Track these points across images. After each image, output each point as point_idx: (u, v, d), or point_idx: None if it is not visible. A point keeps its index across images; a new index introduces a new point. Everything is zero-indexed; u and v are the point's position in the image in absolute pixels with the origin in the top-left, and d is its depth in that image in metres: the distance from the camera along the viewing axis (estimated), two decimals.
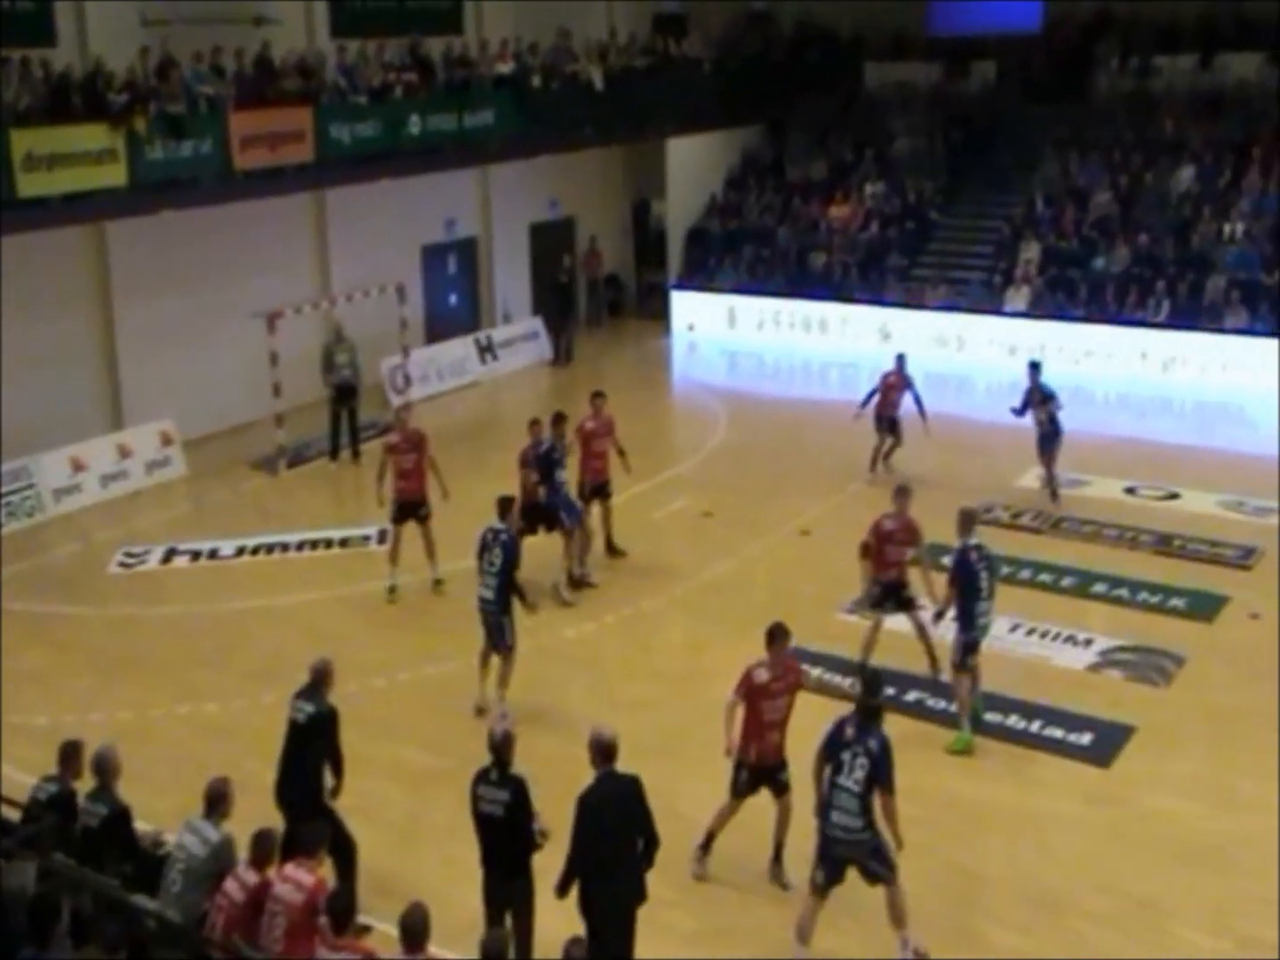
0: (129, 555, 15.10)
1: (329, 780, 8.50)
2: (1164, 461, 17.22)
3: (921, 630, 11.46)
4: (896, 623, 11.63)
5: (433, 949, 6.47)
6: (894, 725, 8.40)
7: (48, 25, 16.98)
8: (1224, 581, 13.58)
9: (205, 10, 18.25)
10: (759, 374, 23.48)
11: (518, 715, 10.54)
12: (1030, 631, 12.47)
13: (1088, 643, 12.29)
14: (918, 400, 16.25)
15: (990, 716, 10.87)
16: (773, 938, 8.39)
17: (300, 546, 15.23)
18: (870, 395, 16.58)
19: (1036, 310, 22.14)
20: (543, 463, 13.45)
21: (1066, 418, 15.59)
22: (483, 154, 21.42)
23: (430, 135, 19.87)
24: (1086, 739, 10.63)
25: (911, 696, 11.24)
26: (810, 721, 8.67)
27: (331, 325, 18.70)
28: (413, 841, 9.48)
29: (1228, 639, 12.42)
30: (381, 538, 14.55)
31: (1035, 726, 10.82)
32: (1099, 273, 22.16)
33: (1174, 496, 16.04)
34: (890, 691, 8.39)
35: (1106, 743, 10.57)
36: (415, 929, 6.34)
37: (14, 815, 7.74)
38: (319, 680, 8.54)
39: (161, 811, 8.58)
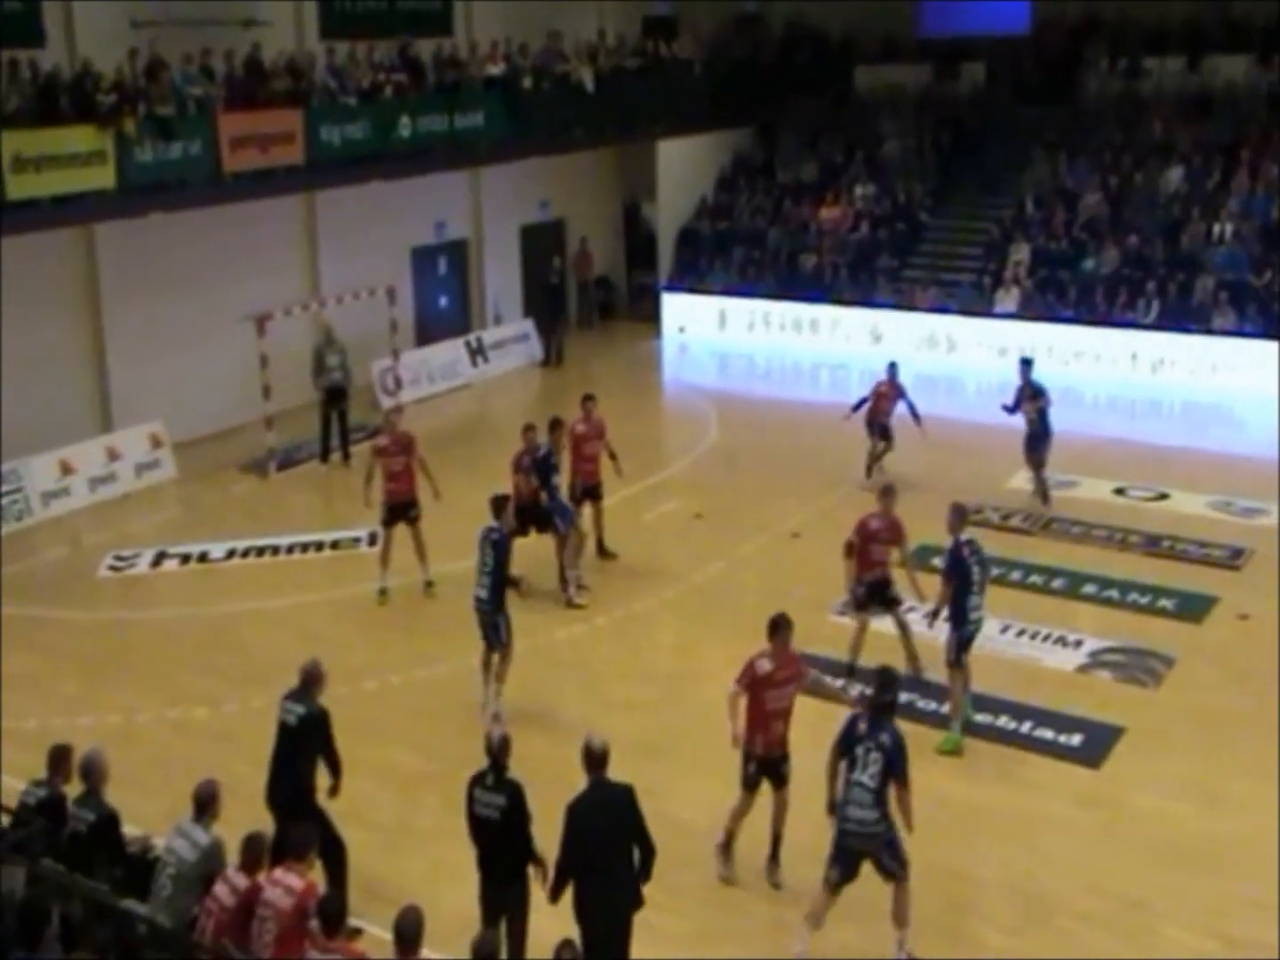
0: (118, 558, 15.07)
1: (326, 780, 8.48)
2: (1153, 462, 17.26)
3: (904, 629, 11.51)
4: (884, 624, 11.65)
5: (424, 951, 6.47)
6: None
7: (36, 26, 16.92)
8: (1213, 582, 13.61)
9: (194, 11, 18.22)
10: (750, 375, 23.51)
11: (508, 717, 10.55)
12: (1020, 633, 12.49)
13: (1078, 644, 12.32)
14: (911, 408, 16.23)
15: (981, 717, 10.89)
16: (765, 940, 8.41)
17: (291, 549, 15.21)
18: (861, 402, 16.58)
19: (1026, 311, 22.18)
20: (541, 468, 13.48)
21: (1056, 418, 15.62)
22: (473, 155, 21.40)
23: (420, 137, 19.85)
24: (1076, 740, 10.66)
25: (901, 698, 11.20)
26: (808, 721, 8.69)
27: (322, 327, 18.67)
28: (402, 844, 9.47)
29: (1217, 640, 12.45)
30: (372, 540, 14.54)
31: (1025, 727, 10.85)
32: (1088, 274, 22.22)
33: (1163, 497, 16.08)
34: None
35: (1096, 744, 10.60)
36: (409, 932, 6.34)
37: (3, 820, 7.72)
38: (309, 682, 8.52)
39: (151, 815, 8.56)
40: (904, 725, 10.53)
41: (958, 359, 22.37)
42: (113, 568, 14.88)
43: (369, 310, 19.72)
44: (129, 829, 7.87)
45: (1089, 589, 13.51)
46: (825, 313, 23.78)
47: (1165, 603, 13.16)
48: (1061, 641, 12.36)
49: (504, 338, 23.61)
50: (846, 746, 8.01)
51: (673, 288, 25.48)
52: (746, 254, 25.24)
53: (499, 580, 10.96)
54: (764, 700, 8.66)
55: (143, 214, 16.86)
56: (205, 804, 7.30)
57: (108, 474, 17.10)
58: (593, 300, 26.53)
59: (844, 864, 7.96)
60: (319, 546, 15.25)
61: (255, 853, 6.97)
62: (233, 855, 7.12)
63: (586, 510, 14.16)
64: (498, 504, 11.24)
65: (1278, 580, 13.28)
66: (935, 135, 25.72)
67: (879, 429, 16.41)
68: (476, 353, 22.87)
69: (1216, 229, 21.87)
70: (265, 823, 8.02)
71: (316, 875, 7.28)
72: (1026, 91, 25.10)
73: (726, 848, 8.96)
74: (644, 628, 13.05)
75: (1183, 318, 21.08)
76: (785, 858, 8.93)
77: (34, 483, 16.27)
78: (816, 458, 17.53)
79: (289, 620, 13.28)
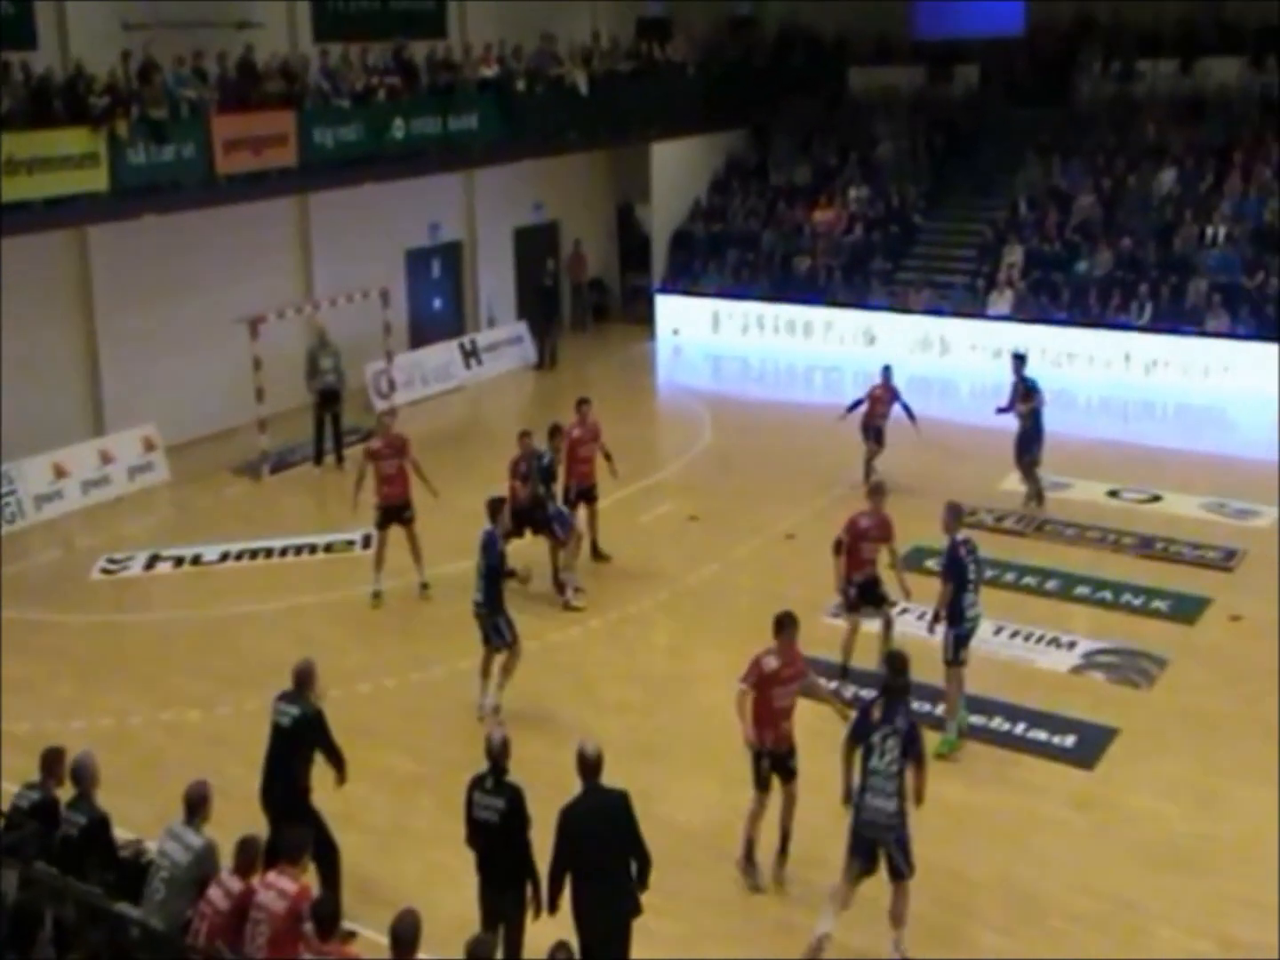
0: (111, 561, 15.04)
1: (323, 781, 8.47)
2: (1147, 464, 17.28)
3: (888, 627, 11.54)
4: (876, 625, 11.64)
5: (419, 954, 6.46)
6: None
7: (28, 28, 16.90)
8: (1206, 583, 13.63)
9: (187, 13, 18.19)
10: (743, 378, 23.52)
11: (503, 720, 10.54)
12: (1014, 634, 12.50)
13: (1071, 645, 12.33)
14: (907, 409, 16.17)
15: (974, 719, 10.89)
16: (761, 942, 8.41)
17: (284, 552, 15.19)
18: (855, 404, 16.54)
19: (1020, 313, 22.20)
20: (544, 475, 13.55)
21: (1049, 420, 15.61)
22: (467, 158, 21.39)
23: (414, 139, 19.85)
24: (1070, 741, 10.67)
25: None
26: (805, 722, 8.68)
27: (315, 330, 18.66)
28: (397, 847, 9.46)
29: (1210, 641, 12.47)
30: (366, 543, 14.53)
31: (1019, 729, 10.86)
32: (1082, 276, 22.25)
33: (1156, 499, 16.10)
34: (874, 694, 8.45)
35: (1090, 745, 10.61)
36: (406, 935, 6.33)
37: None
38: (302, 682, 8.52)
39: (144, 818, 8.55)
40: None
41: (951, 361, 22.39)
42: (106, 570, 14.86)
43: (362, 313, 19.70)
44: (122, 832, 7.87)
45: (1082, 590, 13.53)
46: (819, 315, 23.78)
47: (1158, 604, 13.18)
48: (1055, 643, 12.38)
49: (498, 340, 23.59)
50: (862, 735, 8.03)
51: (666, 290, 25.48)
52: (740, 256, 25.25)
53: (491, 582, 10.96)
54: (771, 697, 8.69)
55: (136, 216, 16.84)
56: (196, 806, 7.29)
57: (101, 477, 17.07)
58: (586, 302, 26.53)
59: (863, 855, 7.99)
60: (312, 549, 15.24)
61: (249, 856, 6.95)
62: (226, 858, 7.12)
63: (581, 512, 14.17)
64: (494, 507, 11.24)
65: (1271, 582, 13.32)
66: (929, 137, 25.74)
67: (874, 432, 16.34)
68: (470, 355, 22.86)
69: (1209, 231, 21.91)
70: (259, 825, 8.01)
71: (310, 879, 7.26)
72: (1020, 93, 25.11)
73: (749, 858, 8.92)
74: (638, 630, 13.05)
75: (1176, 320, 21.11)
76: (794, 857, 8.92)
77: (27, 486, 16.24)
78: (810, 460, 17.54)
79: (282, 623, 13.26)
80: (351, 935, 7.77)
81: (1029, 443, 15.48)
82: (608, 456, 14.23)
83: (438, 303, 23.78)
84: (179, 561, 15.00)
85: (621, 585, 13.93)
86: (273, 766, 8.46)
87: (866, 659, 11.41)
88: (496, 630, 11.04)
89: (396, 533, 13.55)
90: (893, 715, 7.96)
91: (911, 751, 7.89)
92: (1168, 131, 23.73)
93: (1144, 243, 22.16)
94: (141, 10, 17.73)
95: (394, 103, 19.62)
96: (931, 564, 12.50)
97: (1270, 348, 19.95)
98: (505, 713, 10.92)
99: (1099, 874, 9.04)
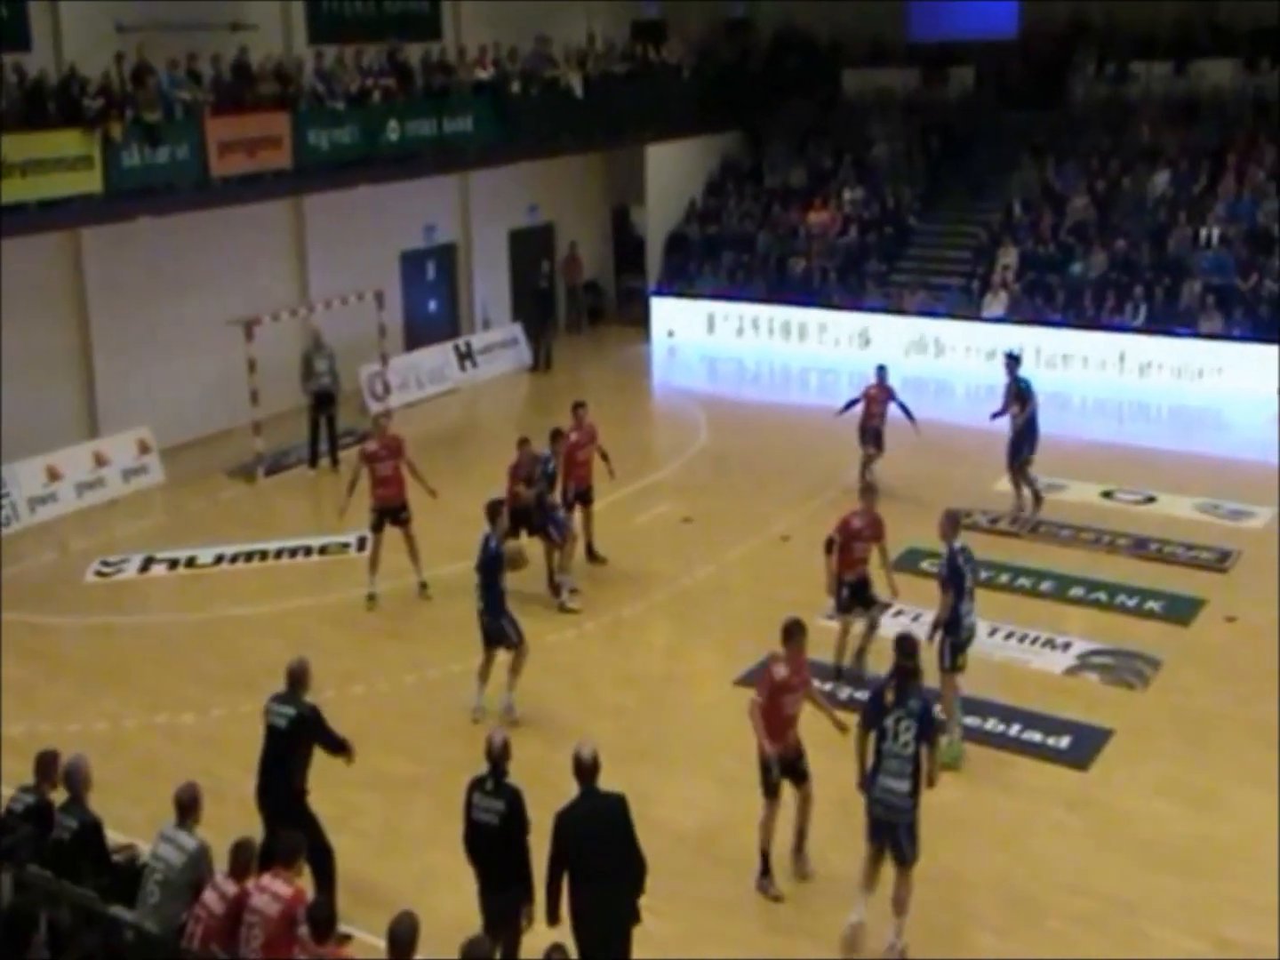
0: (106, 564, 15.02)
1: (323, 782, 8.47)
2: (1141, 465, 17.30)
3: (872, 628, 11.56)
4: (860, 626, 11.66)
5: (416, 956, 6.45)
6: None
7: (22, 30, 16.88)
8: (1200, 584, 13.65)
9: (181, 15, 18.17)
10: (739, 379, 23.52)
11: (500, 721, 10.51)
12: (1009, 635, 12.50)
13: (1066, 646, 12.34)
14: (905, 409, 16.10)
15: (969, 720, 10.86)
16: (759, 943, 8.41)
17: (279, 554, 15.17)
18: (851, 403, 16.50)
19: (1014, 315, 22.21)
20: (547, 479, 13.59)
21: (1044, 422, 15.59)
22: (462, 160, 21.38)
23: (409, 141, 19.83)
24: (1065, 742, 10.68)
25: (842, 695, 11.19)
26: (804, 722, 8.66)
27: (310, 332, 18.62)
28: (393, 849, 9.45)
29: (1204, 642, 12.48)
30: (361, 545, 14.52)
31: (1014, 730, 10.86)
32: (1076, 278, 22.27)
33: (1151, 500, 16.12)
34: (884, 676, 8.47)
35: (1085, 746, 10.62)
36: (404, 937, 6.32)
37: None
38: (296, 682, 8.50)
39: (138, 822, 8.54)
40: None
41: (946, 363, 22.40)
42: (100, 573, 14.83)
43: (357, 315, 19.68)
44: (117, 836, 7.86)
45: (1077, 591, 13.54)
46: (814, 317, 23.79)
47: (1153, 605, 13.19)
48: (1050, 644, 12.38)
49: (492, 342, 23.59)
50: (875, 718, 8.06)
51: (661, 292, 25.48)
52: (735, 258, 25.25)
53: (488, 584, 10.95)
54: (781, 705, 8.71)
55: (130, 218, 16.83)
56: (188, 808, 7.28)
57: (95, 479, 17.04)
58: (581, 305, 26.52)
59: (880, 836, 8.06)
60: (307, 551, 15.22)
61: (244, 859, 6.95)
62: (221, 861, 7.10)
63: (577, 514, 14.18)
64: (493, 509, 11.23)
65: (1265, 582, 13.35)
66: (923, 139, 25.76)
67: (872, 434, 16.20)
68: (465, 357, 22.85)
69: (1203, 233, 21.95)
70: (254, 828, 8.00)
71: (305, 882, 7.25)
72: (1014, 96, 25.14)
73: (766, 869, 8.87)
74: (634, 632, 13.05)
75: (1170, 321, 21.13)
76: (780, 863, 8.91)
77: (21, 488, 16.22)
78: (805, 461, 17.54)
79: (277, 625, 13.24)
80: (347, 938, 7.76)
81: (1021, 445, 15.39)
82: (605, 457, 14.25)
83: (433, 305, 23.77)
84: (173, 564, 14.98)
85: (617, 587, 13.93)
86: (268, 769, 8.44)
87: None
88: (502, 632, 11.02)
89: (391, 535, 13.54)
90: (905, 698, 7.99)
91: (925, 733, 7.93)
92: (1162, 133, 23.76)
93: (1138, 244, 22.19)
94: (136, 12, 17.72)
95: (389, 105, 19.61)
96: (926, 565, 12.51)
97: (1264, 349, 20.00)
98: (498, 714, 10.91)
99: (1094, 874, 9.05)
